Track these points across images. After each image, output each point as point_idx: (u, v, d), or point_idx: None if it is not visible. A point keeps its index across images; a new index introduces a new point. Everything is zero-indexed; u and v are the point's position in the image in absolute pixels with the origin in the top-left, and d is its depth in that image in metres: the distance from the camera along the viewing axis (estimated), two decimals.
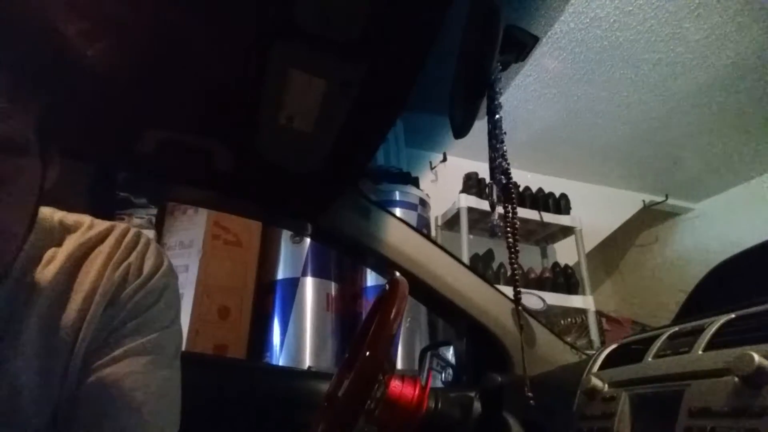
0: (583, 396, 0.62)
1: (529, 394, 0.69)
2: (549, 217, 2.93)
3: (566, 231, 3.05)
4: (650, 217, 3.81)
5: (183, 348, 0.57)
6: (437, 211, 2.93)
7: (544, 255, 3.24)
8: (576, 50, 2.36)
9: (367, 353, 0.58)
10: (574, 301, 2.77)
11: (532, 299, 1.77)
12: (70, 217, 0.54)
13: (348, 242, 1.09)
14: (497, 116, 0.70)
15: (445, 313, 1.20)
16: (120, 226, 0.55)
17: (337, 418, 0.61)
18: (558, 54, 2.39)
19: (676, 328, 0.58)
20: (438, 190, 2.97)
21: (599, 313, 2.88)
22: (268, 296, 2.22)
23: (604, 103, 2.74)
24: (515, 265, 0.72)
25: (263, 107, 0.76)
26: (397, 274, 0.76)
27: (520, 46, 0.77)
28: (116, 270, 0.51)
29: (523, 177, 3.16)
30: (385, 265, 1.07)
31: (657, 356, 0.55)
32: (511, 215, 0.71)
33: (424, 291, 1.07)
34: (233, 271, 2.16)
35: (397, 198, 2.50)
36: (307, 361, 2.08)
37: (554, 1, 2.06)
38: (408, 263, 1.05)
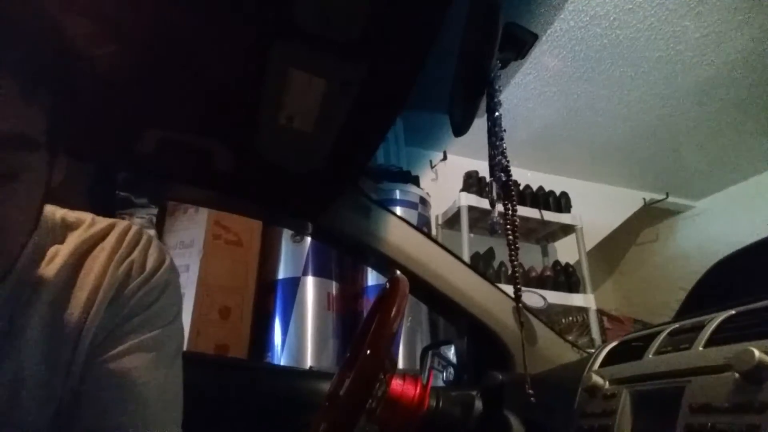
0: (584, 393, 0.62)
1: (530, 391, 0.69)
2: (549, 216, 2.93)
3: (567, 229, 3.05)
4: (651, 215, 3.80)
5: (184, 348, 0.58)
6: (438, 210, 2.93)
7: (544, 253, 3.24)
8: (576, 48, 2.36)
9: (368, 352, 0.58)
10: (575, 299, 2.77)
11: (533, 298, 1.77)
12: (72, 215, 0.54)
13: (349, 241, 1.09)
14: (497, 114, 0.70)
15: (445, 311, 1.20)
16: (121, 223, 0.55)
17: (338, 418, 0.61)
18: (558, 52, 2.39)
19: (677, 325, 0.58)
20: (438, 189, 2.97)
21: (600, 312, 2.88)
22: (269, 296, 2.22)
23: (605, 101, 2.74)
24: (515, 263, 0.72)
25: (263, 107, 0.76)
26: (398, 272, 0.76)
27: (520, 43, 0.77)
28: (119, 266, 0.51)
29: (523, 175, 3.16)
30: (386, 264, 1.07)
31: (657, 353, 0.55)
32: (511, 212, 0.71)
33: (424, 290, 1.07)
34: (234, 271, 2.16)
35: (398, 197, 2.50)
36: (309, 361, 2.08)
37: None
38: (409, 262, 1.05)
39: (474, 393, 0.80)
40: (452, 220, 2.88)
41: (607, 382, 0.59)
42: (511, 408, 0.76)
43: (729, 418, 0.41)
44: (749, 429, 0.38)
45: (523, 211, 2.79)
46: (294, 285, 2.21)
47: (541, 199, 3.00)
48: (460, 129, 0.74)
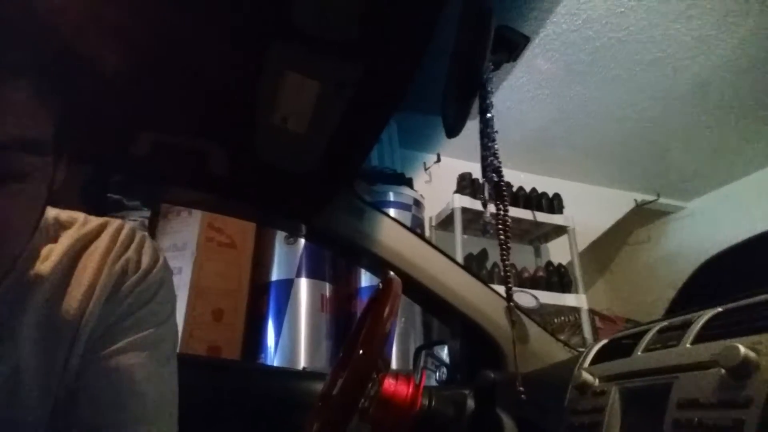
0: (574, 391, 0.63)
1: (521, 389, 0.70)
2: (542, 217, 2.95)
3: (559, 230, 3.07)
4: (642, 216, 3.83)
5: (177, 349, 0.58)
6: (431, 212, 2.94)
7: (537, 254, 3.25)
8: (568, 51, 2.38)
9: (361, 352, 0.58)
10: (568, 299, 2.79)
11: (525, 298, 1.78)
12: (64, 214, 0.54)
13: (342, 243, 1.10)
14: (489, 115, 0.71)
15: (439, 312, 1.20)
16: (114, 222, 0.56)
17: (331, 417, 0.61)
18: (550, 55, 2.41)
19: (666, 323, 0.59)
20: (432, 191, 2.98)
21: (592, 312, 2.89)
22: (263, 298, 2.22)
23: (596, 103, 2.76)
24: (507, 263, 0.73)
25: (258, 108, 0.76)
26: (391, 273, 0.76)
27: (512, 46, 0.78)
28: (115, 264, 0.51)
29: (516, 177, 3.18)
30: (380, 265, 1.08)
31: (646, 350, 0.56)
32: (503, 213, 0.71)
33: (418, 290, 1.07)
34: (227, 273, 2.15)
35: (392, 199, 2.51)
36: (302, 362, 2.07)
37: (545, 2, 2.08)
38: (402, 263, 1.05)
39: (466, 392, 0.80)
40: (446, 222, 2.89)
41: (597, 380, 0.60)
42: (503, 406, 0.77)
43: (716, 413, 0.41)
44: (735, 423, 0.39)
45: (516, 212, 2.81)
46: (287, 287, 2.21)
47: (534, 200, 3.02)
48: (453, 130, 0.75)
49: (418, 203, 2.61)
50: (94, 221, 0.55)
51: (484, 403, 0.76)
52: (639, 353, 0.56)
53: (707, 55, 2.37)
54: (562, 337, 1.16)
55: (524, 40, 0.80)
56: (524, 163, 3.31)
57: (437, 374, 1.25)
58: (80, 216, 0.55)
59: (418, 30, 0.61)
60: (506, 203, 0.72)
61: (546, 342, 1.08)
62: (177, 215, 2.23)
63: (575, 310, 2.80)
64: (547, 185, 3.17)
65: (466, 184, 2.91)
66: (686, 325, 0.53)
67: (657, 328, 0.58)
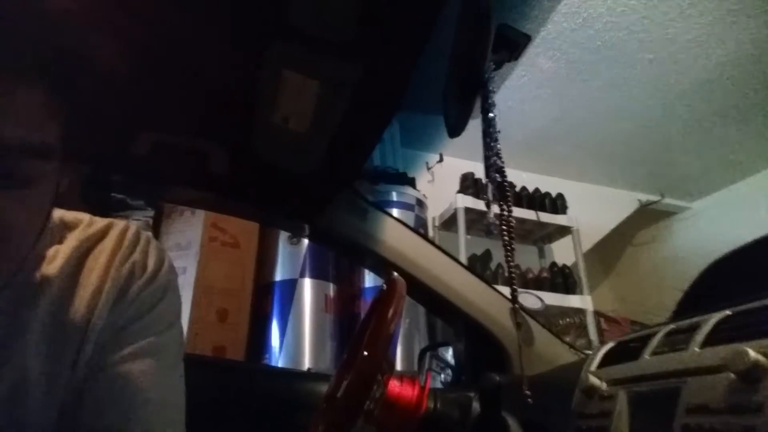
0: (581, 394, 0.62)
1: (528, 393, 0.69)
2: (546, 217, 2.94)
3: (563, 231, 3.06)
4: (646, 217, 3.82)
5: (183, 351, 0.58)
6: (434, 212, 2.93)
7: (541, 255, 3.24)
8: (570, 50, 2.37)
9: (365, 353, 0.58)
10: (572, 301, 2.78)
11: (530, 299, 1.77)
12: (70, 215, 0.54)
13: (345, 243, 1.09)
14: (491, 115, 0.70)
15: (443, 313, 1.20)
16: (119, 223, 0.55)
17: (336, 419, 0.61)
18: (552, 54, 2.40)
19: (673, 326, 0.58)
20: (435, 191, 2.97)
21: (597, 313, 2.88)
22: (267, 298, 2.22)
23: (599, 102, 2.75)
24: (511, 264, 0.73)
25: (258, 108, 0.76)
26: (395, 274, 0.76)
27: (513, 45, 0.78)
28: (122, 267, 0.51)
29: (519, 177, 3.17)
30: (383, 266, 1.07)
31: (654, 354, 0.55)
32: (506, 213, 0.71)
33: (422, 291, 1.07)
34: (231, 273, 2.16)
35: (394, 198, 2.50)
36: (306, 363, 2.07)
37: (546, 1, 2.07)
38: (406, 263, 1.05)
39: (472, 394, 0.80)
40: (449, 222, 2.88)
41: (604, 383, 0.59)
42: (508, 409, 0.76)
43: (725, 419, 0.41)
44: (745, 429, 0.38)
45: (520, 212, 2.80)
46: (291, 287, 2.20)
47: (538, 200, 3.01)
48: (455, 130, 0.74)
49: (420, 203, 2.61)
50: (100, 222, 0.55)
51: (489, 406, 0.76)
52: (647, 357, 0.56)
53: (710, 54, 2.36)
54: (567, 339, 1.15)
55: (525, 39, 0.80)
56: (527, 162, 3.30)
57: (442, 376, 1.25)
58: (85, 217, 0.55)
59: (417, 30, 0.61)
60: (510, 204, 0.72)
61: (551, 344, 1.07)
62: (180, 215, 2.23)
63: (580, 312, 2.78)
64: (550, 185, 3.16)
65: (468, 184, 2.90)
66: (694, 329, 0.52)
67: (664, 331, 0.58)
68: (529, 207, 2.93)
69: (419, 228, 2.48)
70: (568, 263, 2.97)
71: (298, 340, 2.11)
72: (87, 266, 0.50)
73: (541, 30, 2.23)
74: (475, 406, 0.77)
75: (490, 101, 0.71)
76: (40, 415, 0.45)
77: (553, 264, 2.98)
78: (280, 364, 2.06)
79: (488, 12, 0.67)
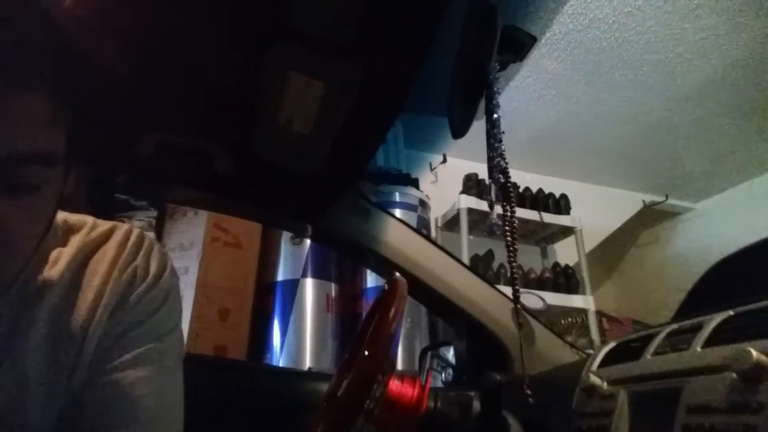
0: (582, 393, 0.62)
1: (528, 392, 0.69)
2: (549, 218, 2.93)
3: (566, 231, 3.05)
4: (650, 217, 3.80)
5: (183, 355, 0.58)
6: (437, 212, 2.93)
7: (544, 255, 3.24)
8: (575, 51, 2.37)
9: (366, 353, 0.58)
10: (575, 301, 2.77)
11: (532, 299, 1.77)
12: (73, 218, 0.54)
13: (348, 243, 1.09)
14: (495, 116, 0.70)
15: (444, 313, 1.20)
16: (123, 226, 0.55)
17: (336, 418, 0.61)
18: (557, 55, 2.40)
19: (675, 326, 0.58)
20: (438, 191, 2.97)
21: (600, 313, 2.88)
22: (268, 297, 2.22)
23: (604, 103, 2.74)
24: (514, 264, 0.72)
25: (262, 109, 0.76)
26: (397, 274, 0.76)
27: (519, 46, 0.78)
28: (124, 272, 0.51)
29: (522, 177, 3.17)
30: (385, 266, 1.07)
31: (656, 353, 0.55)
32: (510, 214, 0.71)
33: (424, 291, 1.07)
34: (233, 273, 2.16)
35: (397, 199, 2.50)
36: (307, 362, 2.07)
37: (551, 1, 2.07)
38: (408, 264, 1.05)
39: (472, 394, 0.79)
40: (452, 223, 2.88)
41: (605, 383, 0.59)
42: (509, 408, 0.76)
43: (727, 419, 0.41)
44: (747, 429, 0.38)
45: (523, 213, 2.79)
46: (293, 287, 2.21)
47: (541, 201, 3.00)
48: (459, 131, 0.74)
49: (423, 204, 2.61)
50: (103, 225, 0.54)
51: (490, 405, 0.76)
52: (648, 356, 0.56)
53: (716, 55, 2.35)
54: (569, 339, 1.15)
55: (531, 40, 0.80)
56: (531, 163, 3.29)
57: (443, 375, 1.24)
58: (89, 219, 0.55)
59: (419, 31, 0.61)
60: (513, 204, 0.72)
61: (553, 344, 1.07)
62: (183, 215, 2.24)
63: (582, 312, 2.78)
64: (553, 186, 3.15)
65: (472, 185, 2.90)
66: (696, 329, 0.52)
67: (666, 331, 0.58)
68: (533, 207, 2.92)
69: (422, 228, 2.48)
70: (571, 263, 2.97)
71: (299, 340, 2.11)
72: (89, 270, 0.50)
73: (546, 31, 2.22)
74: (476, 405, 0.77)
75: (494, 102, 0.71)
76: (40, 418, 0.45)
77: (556, 264, 2.97)
78: (281, 364, 2.06)
79: (494, 12, 0.67)
